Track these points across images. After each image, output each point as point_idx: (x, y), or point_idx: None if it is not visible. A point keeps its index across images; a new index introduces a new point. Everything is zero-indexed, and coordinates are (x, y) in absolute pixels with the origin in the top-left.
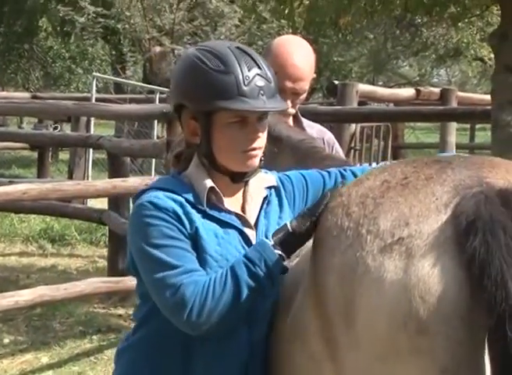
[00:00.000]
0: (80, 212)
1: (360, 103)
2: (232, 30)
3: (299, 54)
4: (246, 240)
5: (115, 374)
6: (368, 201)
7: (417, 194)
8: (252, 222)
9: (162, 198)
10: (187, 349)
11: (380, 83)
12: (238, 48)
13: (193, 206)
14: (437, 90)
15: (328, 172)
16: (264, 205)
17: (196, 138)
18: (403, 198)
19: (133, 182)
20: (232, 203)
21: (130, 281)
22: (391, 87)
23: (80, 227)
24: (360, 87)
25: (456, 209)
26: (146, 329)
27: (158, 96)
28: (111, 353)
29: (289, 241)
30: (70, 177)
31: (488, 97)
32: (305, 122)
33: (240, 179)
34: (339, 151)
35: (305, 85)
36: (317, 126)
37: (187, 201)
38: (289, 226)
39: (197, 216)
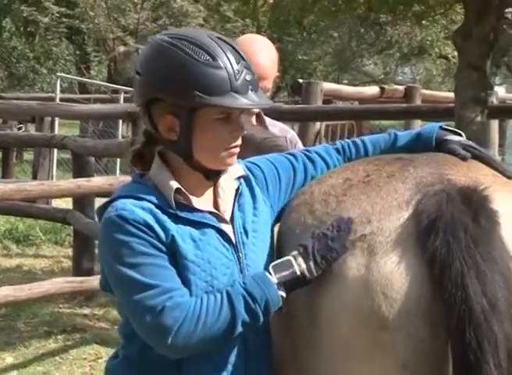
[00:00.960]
0: (44, 212)
1: (325, 101)
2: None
3: (261, 53)
4: (224, 237)
5: None
6: (330, 199)
7: (379, 192)
8: (227, 217)
9: (130, 209)
10: (180, 364)
11: (345, 81)
12: (219, 38)
13: (164, 211)
14: (401, 88)
15: (294, 155)
16: (237, 198)
17: (172, 135)
18: (365, 195)
19: (98, 182)
20: (203, 201)
21: (95, 281)
22: (356, 85)
23: (44, 227)
24: (324, 86)
25: (418, 207)
26: (135, 345)
27: (122, 96)
28: (76, 353)
29: (294, 284)
30: (35, 177)
31: (452, 94)
32: (268, 120)
33: (215, 176)
34: None
35: (268, 83)
36: (279, 124)
37: (156, 206)
38: (296, 267)
39: (169, 222)
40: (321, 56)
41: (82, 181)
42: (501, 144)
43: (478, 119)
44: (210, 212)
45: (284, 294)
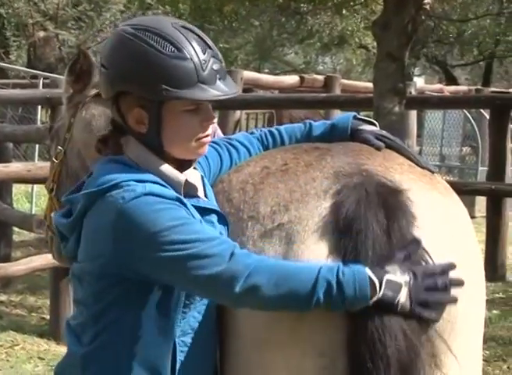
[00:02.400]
0: None
1: (246, 90)
2: (117, 16)
3: None
4: (222, 220)
5: None
6: (248, 187)
7: (297, 181)
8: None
9: (159, 189)
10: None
11: (266, 70)
12: (184, 26)
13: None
14: (321, 77)
15: (217, 143)
16: (204, 184)
17: (142, 127)
18: (283, 183)
19: (15, 167)
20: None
21: (12, 267)
22: (277, 74)
23: None
24: (245, 74)
25: (338, 198)
26: (107, 334)
27: (41, 81)
28: None
29: (383, 304)
30: None
31: (371, 85)
32: None
33: (187, 166)
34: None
35: None
36: None
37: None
38: (400, 296)
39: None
40: (243, 45)
41: (0, 167)
42: (419, 135)
43: (396, 109)
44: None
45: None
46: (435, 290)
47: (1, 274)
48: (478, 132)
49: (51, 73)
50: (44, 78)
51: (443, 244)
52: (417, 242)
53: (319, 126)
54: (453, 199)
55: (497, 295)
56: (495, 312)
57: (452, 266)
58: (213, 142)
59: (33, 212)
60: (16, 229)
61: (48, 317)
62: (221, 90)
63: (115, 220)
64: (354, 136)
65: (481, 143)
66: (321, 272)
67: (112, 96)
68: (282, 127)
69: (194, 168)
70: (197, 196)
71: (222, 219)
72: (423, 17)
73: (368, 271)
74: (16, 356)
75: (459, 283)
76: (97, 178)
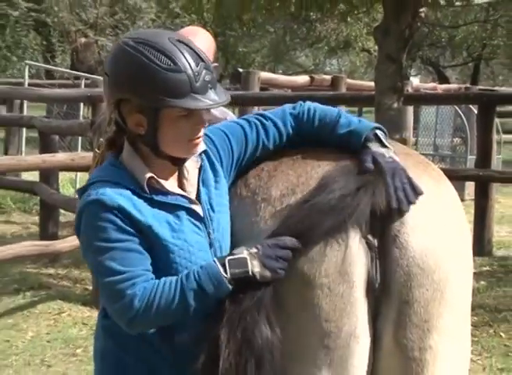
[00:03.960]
0: (14, 183)
1: (262, 89)
2: (149, 24)
3: (196, 41)
4: (195, 216)
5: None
6: (263, 174)
7: (305, 167)
8: (193, 196)
9: (110, 195)
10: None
11: (280, 71)
12: (179, 40)
13: (140, 196)
14: (329, 77)
15: (249, 122)
16: (201, 174)
17: (140, 129)
18: (292, 170)
19: (61, 157)
20: (171, 184)
21: (59, 244)
22: (289, 74)
23: (14, 197)
24: (261, 75)
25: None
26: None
27: (83, 81)
28: (41, 307)
29: (244, 280)
30: (5, 153)
31: (373, 84)
32: None
33: (181, 162)
34: None
35: None
36: (220, 107)
37: (133, 192)
38: (249, 267)
39: (145, 207)
40: (259, 49)
41: (47, 157)
42: (415, 128)
43: (395, 105)
44: (181, 195)
45: (231, 287)
46: (281, 248)
47: (50, 250)
48: (467, 125)
49: (92, 74)
50: (85, 79)
51: (436, 223)
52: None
53: (343, 125)
54: (444, 184)
55: (484, 268)
56: (482, 283)
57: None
58: (246, 120)
59: (77, 197)
60: (62, 211)
61: (90, 288)
62: (212, 99)
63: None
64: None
65: (469, 134)
66: (183, 283)
67: (113, 101)
68: (318, 109)
69: (201, 154)
70: (166, 192)
71: (194, 215)
72: (419, 24)
73: (215, 261)
74: (62, 322)
75: (294, 245)
76: (91, 175)
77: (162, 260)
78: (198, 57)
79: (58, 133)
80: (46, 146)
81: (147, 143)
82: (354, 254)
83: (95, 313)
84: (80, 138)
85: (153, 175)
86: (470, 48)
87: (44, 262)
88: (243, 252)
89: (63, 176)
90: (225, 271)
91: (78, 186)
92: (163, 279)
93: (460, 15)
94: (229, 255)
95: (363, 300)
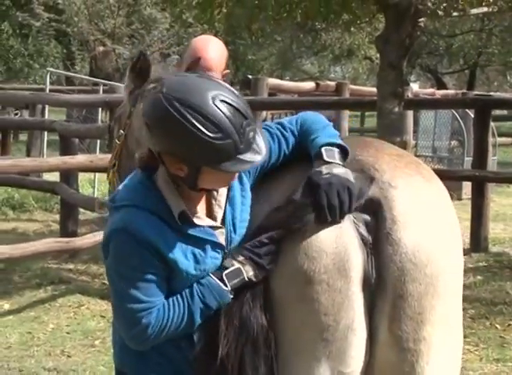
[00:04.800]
0: (36, 184)
1: (270, 94)
2: (163, 33)
3: (210, 49)
4: (219, 246)
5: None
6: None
7: (300, 165)
8: (220, 218)
9: (141, 228)
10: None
11: (287, 77)
12: (222, 100)
13: (169, 226)
14: (333, 83)
15: (270, 133)
16: (230, 192)
17: (180, 173)
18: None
19: (81, 159)
20: (201, 207)
21: (79, 241)
22: (296, 81)
23: (36, 197)
24: (269, 81)
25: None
26: None
27: (101, 88)
28: (62, 301)
29: (243, 285)
30: (28, 155)
31: (375, 89)
32: None
33: (216, 191)
34: None
35: (214, 75)
36: None
37: (163, 220)
38: (245, 274)
39: (173, 238)
40: (267, 57)
41: (67, 158)
42: (415, 131)
43: (396, 109)
44: (209, 226)
45: (232, 296)
46: (266, 245)
47: (70, 247)
48: (464, 128)
49: (110, 81)
50: (103, 85)
51: (428, 220)
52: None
53: (320, 139)
54: (435, 183)
55: (481, 264)
56: (479, 277)
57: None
58: (267, 130)
59: (96, 196)
60: (81, 210)
61: (107, 283)
62: (255, 153)
63: (103, 240)
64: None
65: (466, 137)
66: (189, 304)
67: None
68: (308, 119)
69: None
70: (195, 225)
71: (218, 245)
72: (418, 33)
73: (213, 278)
74: (81, 315)
75: (271, 238)
76: (120, 190)
77: (179, 287)
78: (241, 114)
79: (78, 137)
80: (66, 148)
81: (186, 182)
82: (351, 251)
83: None
84: (98, 141)
85: (185, 209)
86: (466, 55)
87: (64, 258)
88: (234, 264)
89: (82, 177)
90: (225, 284)
91: (96, 186)
92: (170, 301)
93: (456, 25)
94: (222, 268)
95: (360, 294)
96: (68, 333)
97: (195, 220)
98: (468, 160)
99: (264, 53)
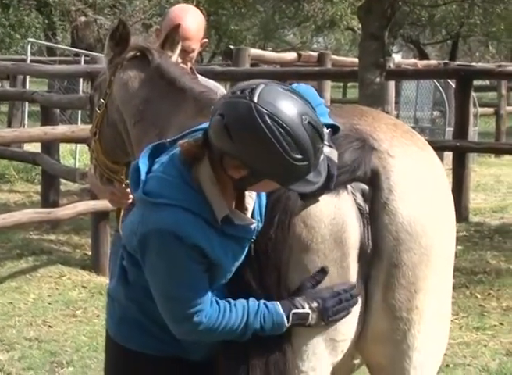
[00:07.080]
0: (17, 154)
1: (252, 65)
2: (145, 3)
3: (187, 18)
4: (251, 239)
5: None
6: None
7: None
8: (251, 209)
9: (187, 231)
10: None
11: (269, 48)
12: (310, 123)
13: (211, 225)
14: (315, 54)
15: None
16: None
17: (236, 175)
18: None
19: (62, 129)
20: (235, 201)
21: (60, 212)
22: (278, 52)
23: (17, 167)
24: (252, 52)
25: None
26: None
27: (83, 58)
28: (43, 271)
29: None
30: (9, 126)
31: (357, 60)
32: (201, 78)
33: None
34: None
35: (192, 44)
36: (211, 82)
37: (206, 220)
38: (309, 321)
39: (216, 238)
40: (250, 27)
41: (48, 129)
42: (397, 101)
43: (378, 80)
44: (247, 225)
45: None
46: (340, 303)
47: (51, 218)
48: (445, 99)
49: (91, 51)
50: (85, 56)
51: (423, 190)
52: (324, 271)
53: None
54: (429, 152)
55: (461, 233)
56: (459, 247)
57: (352, 287)
58: None
59: (77, 167)
60: (62, 180)
61: (89, 253)
62: (317, 176)
63: (140, 234)
64: None
65: (448, 108)
66: (248, 321)
67: (215, 151)
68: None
69: None
70: (235, 225)
71: (251, 240)
72: (400, 3)
73: (281, 311)
74: (63, 285)
75: (355, 298)
76: (155, 183)
77: (216, 280)
78: (320, 137)
79: (59, 107)
80: (47, 119)
81: (236, 183)
82: (349, 222)
83: (94, 277)
84: (79, 112)
85: (228, 213)
86: (448, 26)
87: (46, 229)
88: (305, 307)
89: (64, 148)
90: (288, 321)
91: (78, 157)
92: (228, 306)
93: None
94: (293, 306)
95: (355, 265)
96: (49, 303)
97: (235, 221)
98: (450, 130)
99: (246, 24)
